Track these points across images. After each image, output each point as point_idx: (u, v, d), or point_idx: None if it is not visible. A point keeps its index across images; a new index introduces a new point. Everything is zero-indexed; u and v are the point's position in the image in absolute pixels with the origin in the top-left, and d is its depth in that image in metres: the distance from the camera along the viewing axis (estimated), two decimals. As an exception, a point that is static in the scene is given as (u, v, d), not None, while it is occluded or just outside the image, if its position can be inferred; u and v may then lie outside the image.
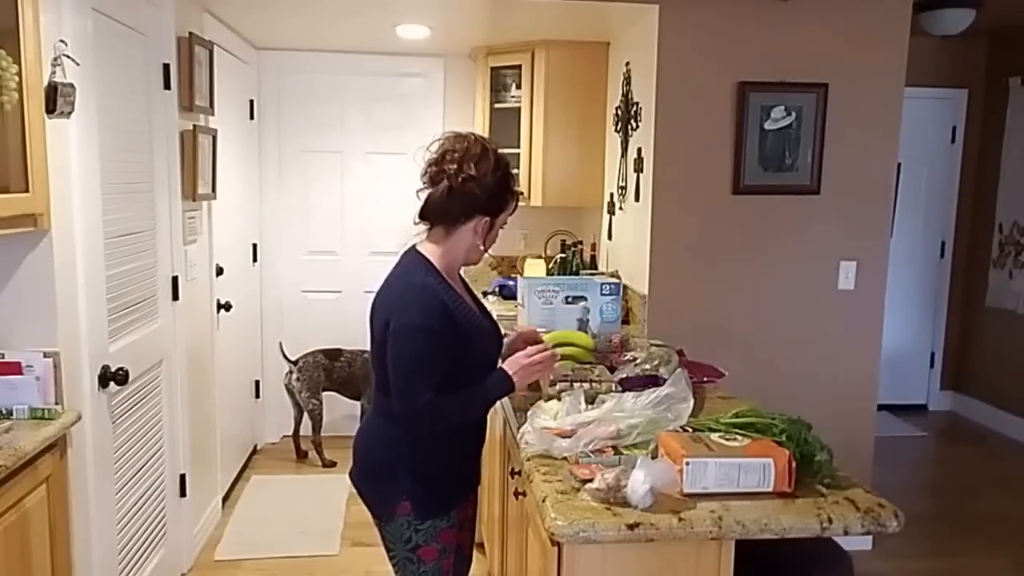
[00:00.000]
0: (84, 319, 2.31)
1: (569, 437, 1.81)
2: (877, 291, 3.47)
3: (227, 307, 3.84)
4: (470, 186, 1.86)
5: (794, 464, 1.64)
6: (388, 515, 1.93)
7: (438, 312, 1.81)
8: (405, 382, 1.80)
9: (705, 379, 2.51)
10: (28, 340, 2.15)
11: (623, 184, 3.69)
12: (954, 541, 3.70)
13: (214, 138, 3.47)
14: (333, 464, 4.38)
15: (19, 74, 1.93)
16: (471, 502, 2.14)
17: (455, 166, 1.85)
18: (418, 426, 1.85)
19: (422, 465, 1.89)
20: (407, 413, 1.81)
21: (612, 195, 3.90)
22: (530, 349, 1.99)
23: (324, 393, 4.40)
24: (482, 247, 1.95)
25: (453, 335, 1.82)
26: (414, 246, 1.97)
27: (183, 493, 3.18)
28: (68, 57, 2.11)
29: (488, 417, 2.11)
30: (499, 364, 2.00)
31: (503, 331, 2.13)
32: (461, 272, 2.07)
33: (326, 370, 4.37)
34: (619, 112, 3.74)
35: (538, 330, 2.33)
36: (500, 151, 1.94)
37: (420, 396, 1.79)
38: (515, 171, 2.03)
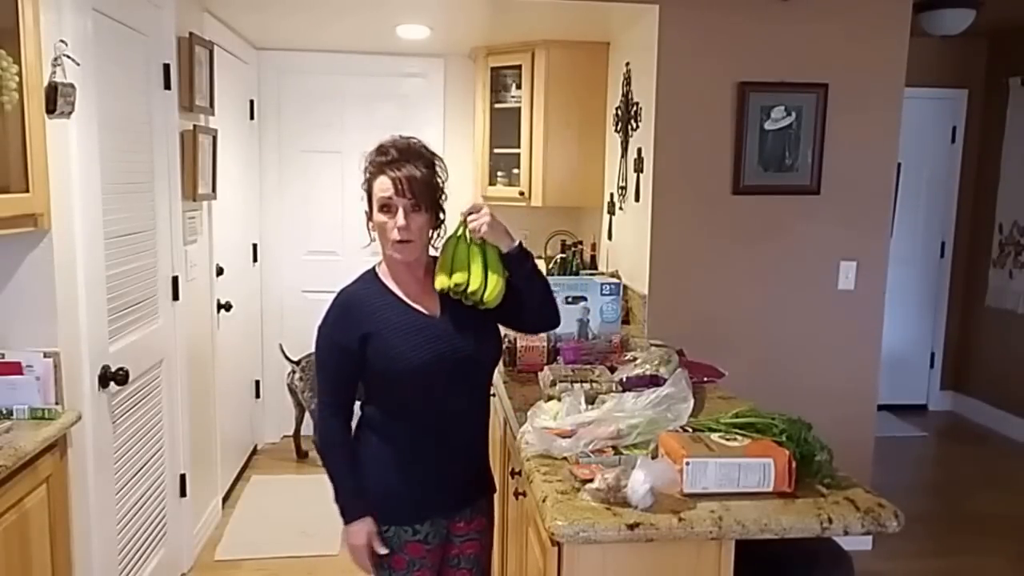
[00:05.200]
0: (84, 319, 2.31)
1: (569, 437, 1.81)
2: (877, 291, 3.47)
3: (227, 307, 3.84)
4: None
5: (794, 464, 1.64)
6: None
7: (336, 315, 1.83)
8: (316, 382, 1.90)
9: (705, 379, 2.51)
10: (28, 340, 2.15)
11: (623, 184, 3.69)
12: (954, 541, 3.70)
13: (214, 138, 3.47)
14: (333, 464, 4.37)
15: (19, 74, 1.93)
16: (465, 540, 1.96)
17: None
18: (315, 436, 1.91)
19: (378, 470, 1.86)
20: (315, 418, 1.87)
21: (612, 195, 3.90)
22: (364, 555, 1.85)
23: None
24: (377, 236, 1.83)
25: (360, 339, 1.79)
26: None
27: (183, 493, 3.18)
28: (68, 57, 2.11)
29: (454, 445, 1.90)
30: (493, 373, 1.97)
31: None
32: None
33: (327, 370, 4.37)
34: (619, 112, 3.74)
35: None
36: (402, 138, 1.84)
37: (320, 398, 1.86)
38: (447, 167, 1.87)
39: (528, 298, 1.89)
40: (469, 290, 1.79)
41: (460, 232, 1.84)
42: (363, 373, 1.82)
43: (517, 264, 1.85)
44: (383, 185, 1.77)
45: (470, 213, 1.81)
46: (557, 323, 2.03)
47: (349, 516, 1.85)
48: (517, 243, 1.85)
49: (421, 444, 1.85)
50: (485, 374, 1.95)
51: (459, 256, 1.81)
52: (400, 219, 1.76)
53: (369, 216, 1.85)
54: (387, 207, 1.77)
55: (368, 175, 1.83)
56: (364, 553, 1.85)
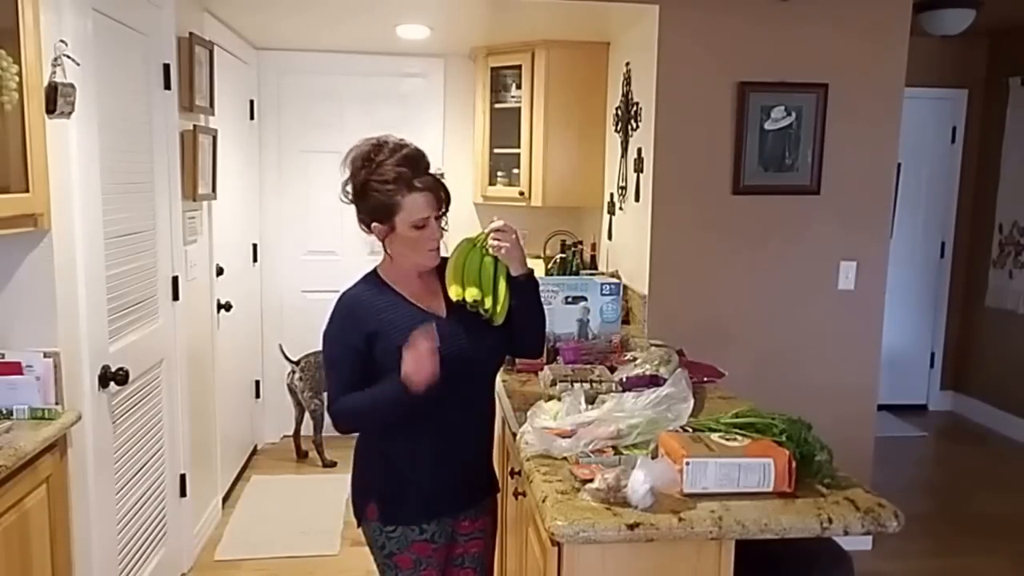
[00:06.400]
0: (84, 319, 2.31)
1: (569, 437, 1.81)
2: (877, 291, 3.47)
3: (227, 307, 3.84)
4: (347, 197, 1.90)
5: (794, 464, 1.64)
6: (361, 517, 1.92)
7: (342, 315, 1.83)
8: (328, 385, 1.88)
9: (705, 379, 2.51)
10: (28, 340, 2.15)
11: (623, 184, 3.69)
12: (954, 541, 3.70)
13: (214, 138, 3.47)
14: (333, 464, 4.38)
15: (19, 74, 1.93)
16: (470, 539, 1.98)
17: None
18: (339, 425, 1.86)
19: (385, 469, 1.87)
20: (330, 413, 1.86)
21: (612, 195, 3.90)
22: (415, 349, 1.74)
23: (326, 393, 4.40)
24: (393, 245, 1.82)
25: (366, 338, 1.79)
26: None
27: (183, 493, 3.18)
28: (68, 57, 2.11)
29: (461, 443, 1.91)
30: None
31: None
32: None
33: (327, 370, 4.37)
34: (619, 112, 3.74)
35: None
36: (380, 144, 1.83)
37: (332, 396, 1.85)
38: (441, 171, 1.85)
39: (518, 323, 1.90)
40: (484, 307, 1.83)
41: (477, 241, 1.86)
42: (372, 373, 1.82)
43: (520, 289, 1.88)
44: (417, 204, 1.77)
45: (497, 230, 1.84)
46: (538, 355, 2.13)
47: (403, 388, 1.70)
48: (527, 271, 1.88)
49: (427, 444, 1.86)
50: (490, 374, 1.97)
51: (471, 265, 1.84)
52: (436, 231, 1.82)
53: (379, 221, 1.82)
54: (423, 224, 1.80)
55: (388, 190, 1.78)
56: (432, 354, 1.70)
